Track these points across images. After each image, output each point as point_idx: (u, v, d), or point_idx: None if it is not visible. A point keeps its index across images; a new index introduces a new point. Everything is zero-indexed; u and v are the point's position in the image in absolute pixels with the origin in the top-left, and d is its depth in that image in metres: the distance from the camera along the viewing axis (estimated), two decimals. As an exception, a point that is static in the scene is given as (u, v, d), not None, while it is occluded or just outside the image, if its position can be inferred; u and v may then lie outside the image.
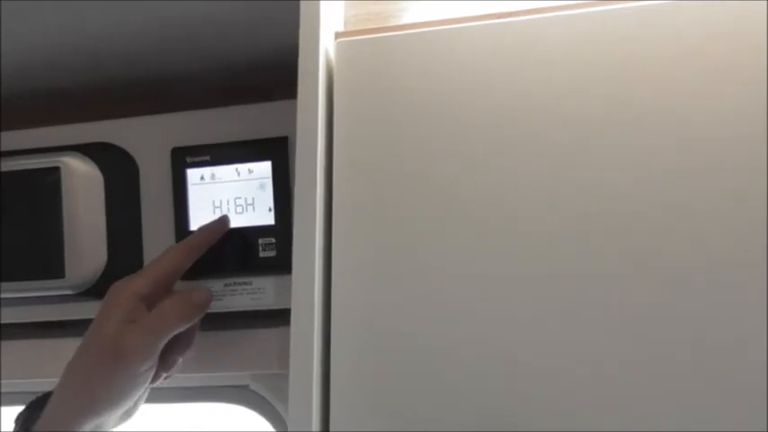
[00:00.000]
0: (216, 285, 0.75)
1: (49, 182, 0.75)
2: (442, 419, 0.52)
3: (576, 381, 0.51)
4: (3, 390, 0.85)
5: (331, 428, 0.53)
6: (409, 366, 0.53)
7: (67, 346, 0.68)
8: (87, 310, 0.78)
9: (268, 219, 0.75)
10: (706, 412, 0.49)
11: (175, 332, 0.66)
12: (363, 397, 0.54)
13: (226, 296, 0.76)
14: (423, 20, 0.61)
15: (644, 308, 0.51)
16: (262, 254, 0.75)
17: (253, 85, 0.81)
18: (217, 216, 0.74)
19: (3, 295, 0.77)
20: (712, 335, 0.50)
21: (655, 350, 0.51)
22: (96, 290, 0.76)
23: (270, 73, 0.78)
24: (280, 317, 0.75)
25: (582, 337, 0.52)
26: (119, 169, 0.78)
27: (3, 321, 0.81)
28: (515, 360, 0.52)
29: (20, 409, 0.71)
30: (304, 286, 0.54)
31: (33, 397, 0.71)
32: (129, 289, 0.67)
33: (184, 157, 0.77)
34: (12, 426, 0.70)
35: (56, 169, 0.75)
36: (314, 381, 0.52)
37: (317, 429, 0.52)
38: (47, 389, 0.68)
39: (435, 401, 0.53)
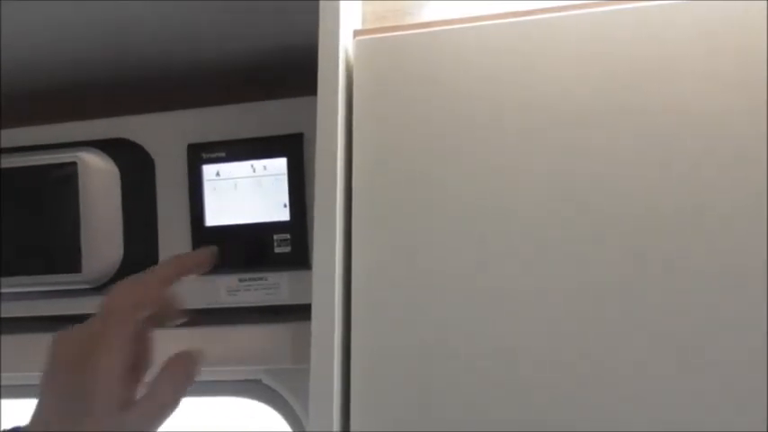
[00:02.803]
0: (231, 280, 0.76)
1: (66, 177, 0.75)
2: (466, 419, 0.52)
3: (582, 382, 0.51)
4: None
5: (351, 428, 0.53)
6: (431, 365, 0.54)
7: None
8: (103, 304, 0.79)
9: (283, 215, 0.75)
10: (706, 412, 0.49)
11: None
12: (384, 396, 0.54)
13: (240, 291, 0.76)
14: (441, 18, 0.61)
15: (645, 308, 0.51)
16: (277, 249, 0.75)
17: (266, 82, 0.81)
18: (232, 211, 0.75)
19: (20, 289, 0.77)
20: (713, 335, 0.50)
21: (656, 350, 0.51)
22: (112, 284, 0.77)
23: (284, 70, 0.78)
24: (293, 312, 0.76)
25: (593, 339, 0.52)
26: (135, 165, 0.79)
27: (19, 315, 0.81)
28: (537, 361, 0.52)
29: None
30: (324, 284, 0.54)
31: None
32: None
33: (200, 154, 0.77)
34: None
35: (72, 165, 0.75)
36: (335, 380, 0.53)
37: (338, 429, 0.52)
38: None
39: (458, 401, 0.53)
